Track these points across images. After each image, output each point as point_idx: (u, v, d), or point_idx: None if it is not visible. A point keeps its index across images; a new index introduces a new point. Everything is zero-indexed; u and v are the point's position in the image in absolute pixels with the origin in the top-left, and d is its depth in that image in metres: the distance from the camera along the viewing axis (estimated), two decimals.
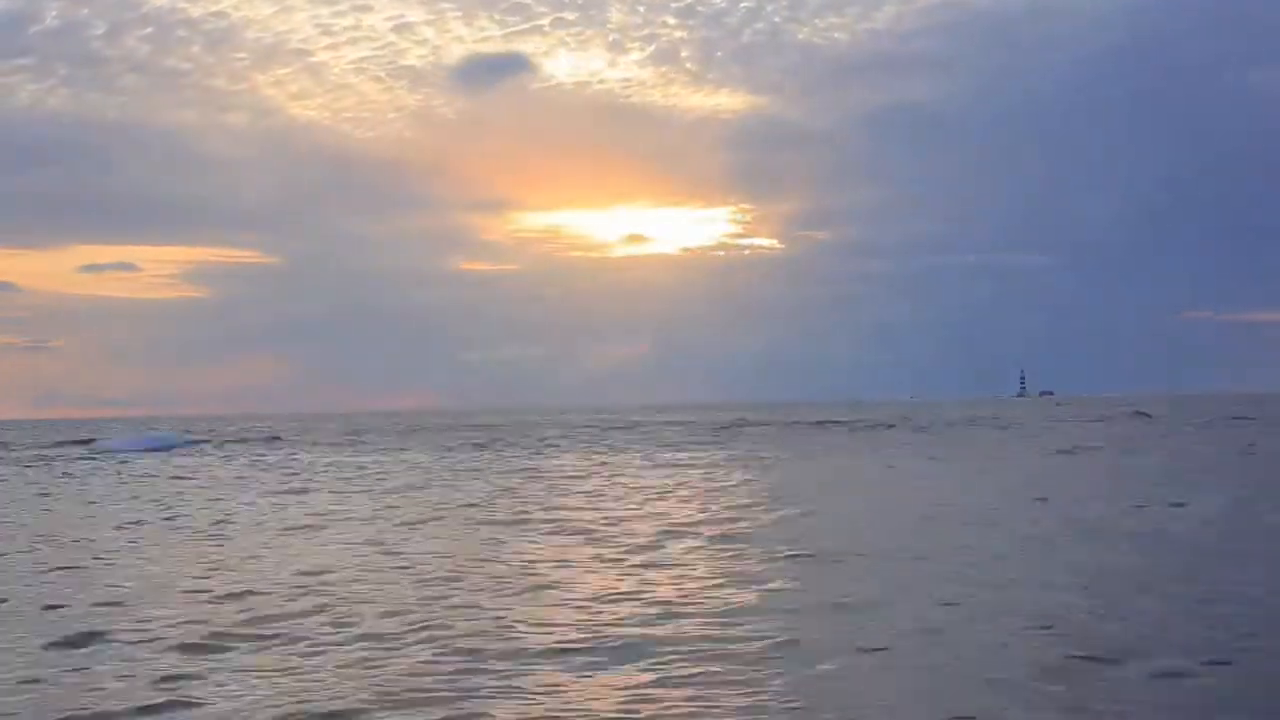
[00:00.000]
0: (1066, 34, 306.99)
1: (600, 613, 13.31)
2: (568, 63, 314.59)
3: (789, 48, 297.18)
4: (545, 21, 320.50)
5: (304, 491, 33.70)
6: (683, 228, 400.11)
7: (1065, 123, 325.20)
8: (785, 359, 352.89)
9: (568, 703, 9.68)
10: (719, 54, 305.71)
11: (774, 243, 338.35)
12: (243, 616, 13.49)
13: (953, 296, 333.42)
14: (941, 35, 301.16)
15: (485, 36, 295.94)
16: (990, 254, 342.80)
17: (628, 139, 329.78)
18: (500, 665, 10.89)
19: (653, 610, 13.35)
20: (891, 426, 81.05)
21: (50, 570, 17.89)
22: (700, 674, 10.41)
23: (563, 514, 24.78)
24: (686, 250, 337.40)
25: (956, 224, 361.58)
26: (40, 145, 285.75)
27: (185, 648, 11.90)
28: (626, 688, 10.05)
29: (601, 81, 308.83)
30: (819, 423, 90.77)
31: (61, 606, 14.47)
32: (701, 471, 39.15)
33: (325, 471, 44.27)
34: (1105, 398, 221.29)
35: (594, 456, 51.19)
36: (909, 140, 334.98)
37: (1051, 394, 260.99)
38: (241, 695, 10.07)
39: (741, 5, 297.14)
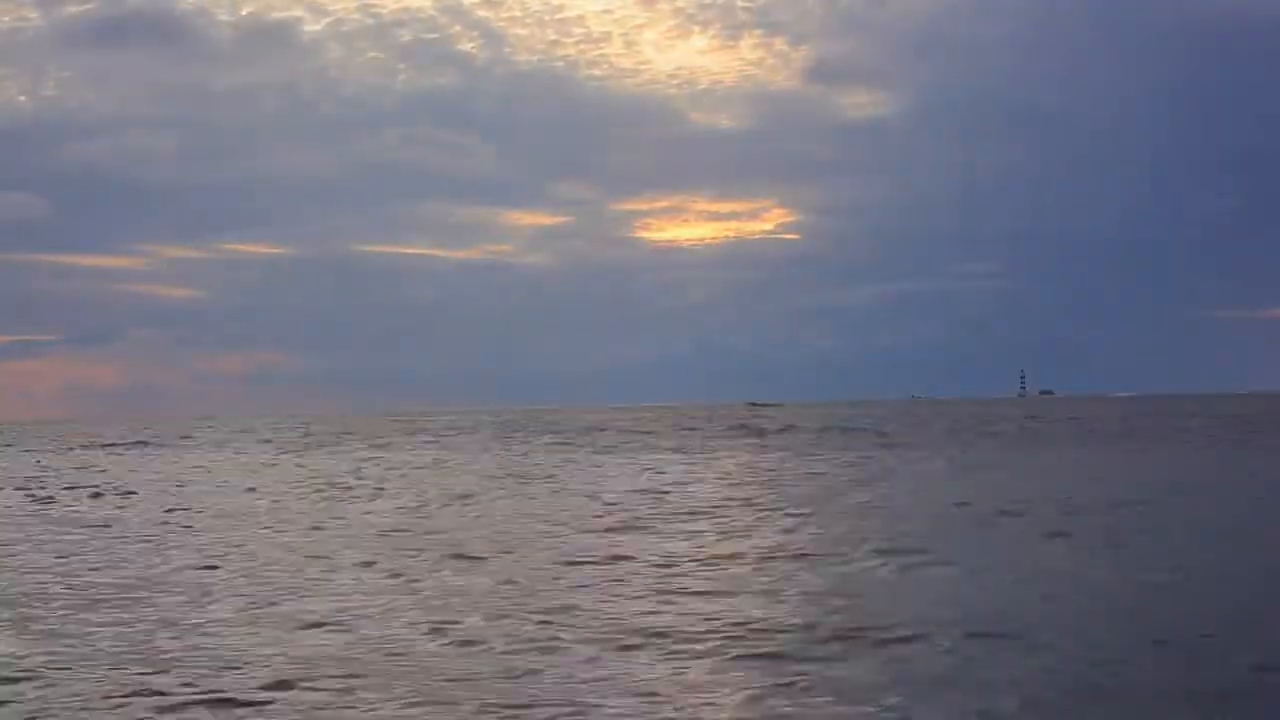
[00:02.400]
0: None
1: None
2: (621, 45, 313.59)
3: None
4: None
5: None
6: (708, 218, 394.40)
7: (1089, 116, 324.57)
8: (785, 358, 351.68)
9: None
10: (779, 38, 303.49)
11: (796, 236, 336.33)
12: None
13: (953, 295, 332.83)
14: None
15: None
16: (994, 253, 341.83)
17: (668, 126, 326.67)
18: None
19: None
20: None
21: None
22: None
23: None
24: (699, 241, 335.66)
25: (966, 221, 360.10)
26: None
27: None
28: None
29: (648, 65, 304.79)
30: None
31: None
32: None
33: None
34: (1106, 398, 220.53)
35: None
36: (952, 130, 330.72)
37: (1051, 393, 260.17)
38: None
39: None
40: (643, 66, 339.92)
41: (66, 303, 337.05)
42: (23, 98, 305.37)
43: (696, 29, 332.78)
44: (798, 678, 11.17)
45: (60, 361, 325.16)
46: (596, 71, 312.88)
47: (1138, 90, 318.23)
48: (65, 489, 39.27)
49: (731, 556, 19.44)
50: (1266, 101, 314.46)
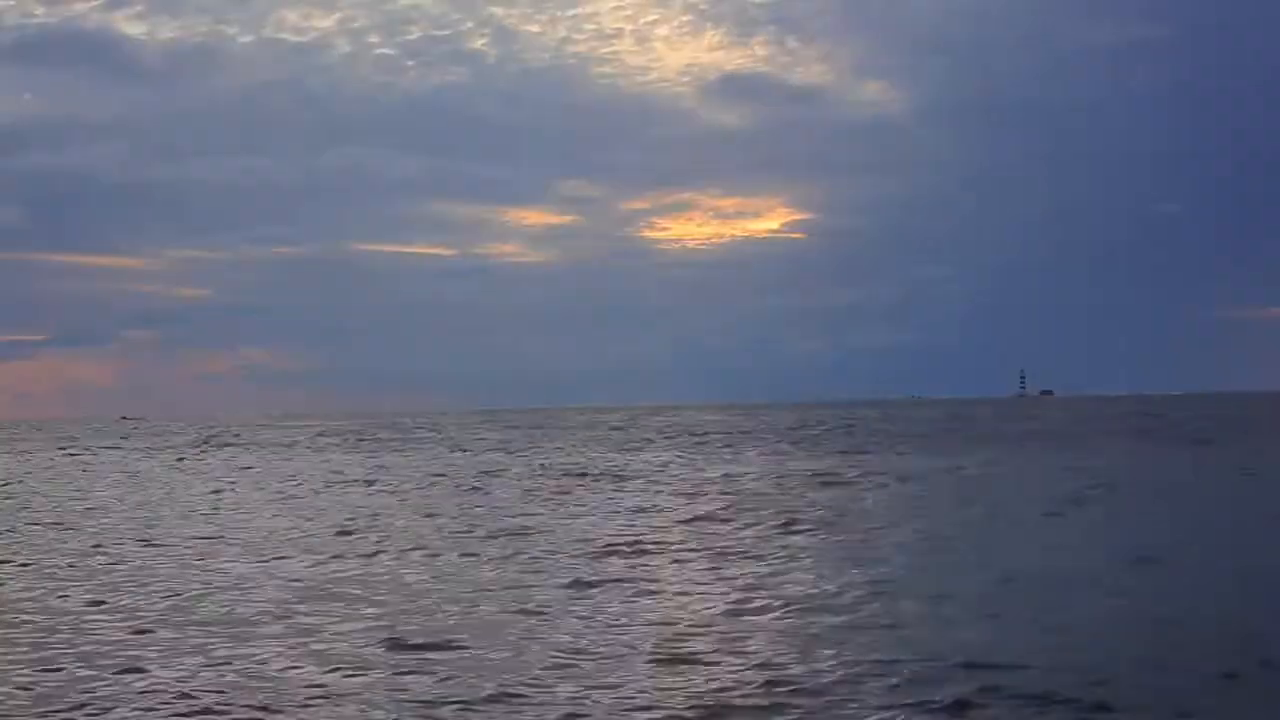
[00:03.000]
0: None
1: None
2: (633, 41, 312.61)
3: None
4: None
5: None
6: (715, 217, 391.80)
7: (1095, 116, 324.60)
8: (790, 357, 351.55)
9: None
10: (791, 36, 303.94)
11: (803, 235, 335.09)
12: None
13: (956, 293, 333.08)
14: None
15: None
16: (997, 252, 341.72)
17: (677, 124, 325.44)
18: None
19: None
20: None
21: None
22: None
23: None
24: (705, 240, 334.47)
25: (972, 220, 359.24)
26: None
27: None
28: None
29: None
30: None
31: None
32: None
33: None
34: (1106, 397, 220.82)
35: None
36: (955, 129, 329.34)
37: (1051, 393, 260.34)
38: None
39: None
40: (654, 64, 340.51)
41: (58, 302, 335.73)
42: (28, 95, 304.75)
43: (709, 25, 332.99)
44: None
45: (51, 362, 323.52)
46: (607, 69, 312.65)
47: (1141, 89, 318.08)
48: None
49: None
50: (1271, 101, 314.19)
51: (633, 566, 19.54)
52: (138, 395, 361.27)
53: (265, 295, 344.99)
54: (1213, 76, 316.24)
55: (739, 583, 17.70)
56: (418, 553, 21.92)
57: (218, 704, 11.20)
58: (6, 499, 37.57)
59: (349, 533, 25.49)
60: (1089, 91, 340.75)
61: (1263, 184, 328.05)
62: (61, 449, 79.80)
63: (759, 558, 20.29)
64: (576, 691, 11.42)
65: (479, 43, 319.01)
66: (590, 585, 17.56)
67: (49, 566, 21.37)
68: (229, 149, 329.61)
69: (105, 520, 30.16)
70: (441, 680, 11.88)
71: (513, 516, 28.16)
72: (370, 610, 15.93)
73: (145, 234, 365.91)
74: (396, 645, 13.49)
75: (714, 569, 19.11)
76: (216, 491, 39.13)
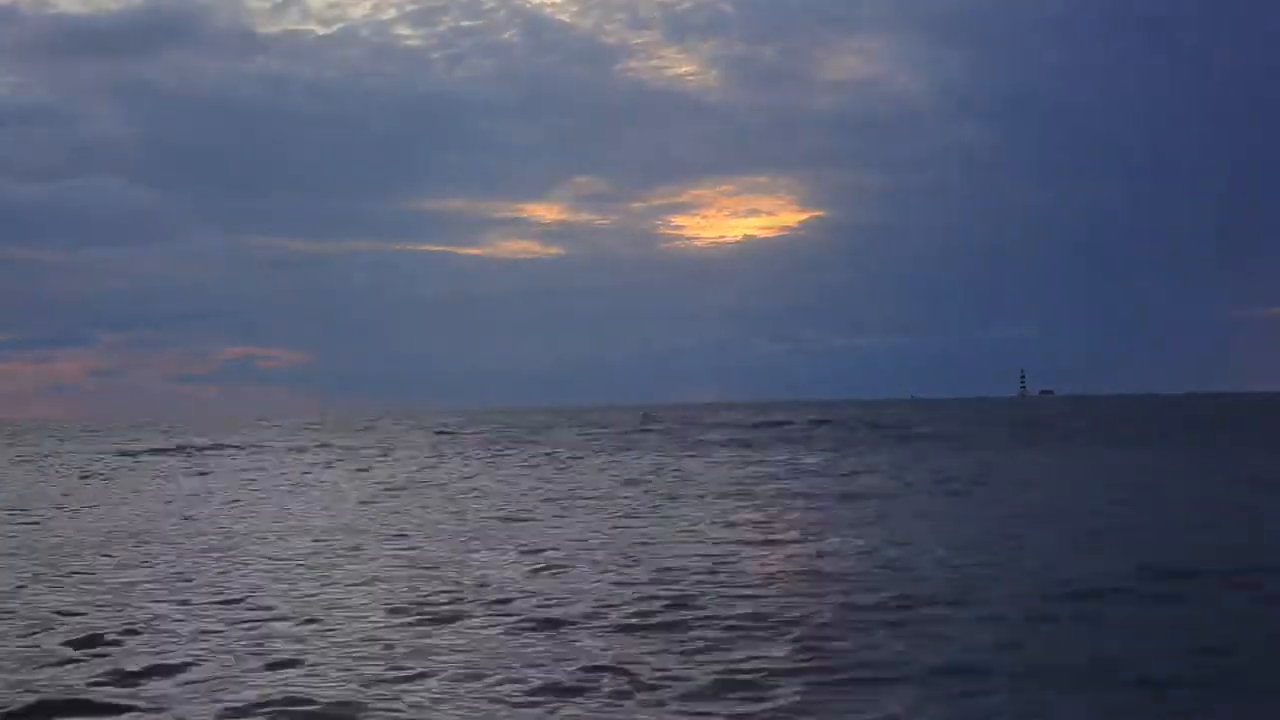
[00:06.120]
0: None
1: None
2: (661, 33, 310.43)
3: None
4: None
5: None
6: (729, 214, 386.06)
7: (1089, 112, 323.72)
8: (798, 356, 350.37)
9: None
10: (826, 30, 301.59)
11: (812, 233, 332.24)
12: None
13: (959, 293, 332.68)
14: None
15: None
16: (1001, 251, 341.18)
17: (695, 120, 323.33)
18: None
19: None
20: None
21: None
22: None
23: None
24: (718, 238, 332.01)
25: (978, 219, 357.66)
26: None
27: None
28: None
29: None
30: None
31: None
32: None
33: None
34: (1106, 397, 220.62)
35: None
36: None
37: (1051, 393, 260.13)
38: None
39: None
40: (678, 56, 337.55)
41: (34, 300, 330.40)
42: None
43: (738, 17, 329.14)
44: None
45: (24, 362, 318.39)
46: (632, 63, 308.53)
47: (1151, 90, 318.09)
48: None
49: None
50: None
51: None
52: (124, 396, 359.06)
53: (269, 295, 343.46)
54: (1219, 76, 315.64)
55: None
56: None
57: None
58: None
59: None
60: (1103, 90, 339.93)
61: (1265, 183, 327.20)
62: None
63: None
64: None
65: (508, 34, 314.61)
66: None
67: None
68: (241, 145, 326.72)
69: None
70: None
71: None
72: None
73: (134, 230, 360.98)
74: None
75: None
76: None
